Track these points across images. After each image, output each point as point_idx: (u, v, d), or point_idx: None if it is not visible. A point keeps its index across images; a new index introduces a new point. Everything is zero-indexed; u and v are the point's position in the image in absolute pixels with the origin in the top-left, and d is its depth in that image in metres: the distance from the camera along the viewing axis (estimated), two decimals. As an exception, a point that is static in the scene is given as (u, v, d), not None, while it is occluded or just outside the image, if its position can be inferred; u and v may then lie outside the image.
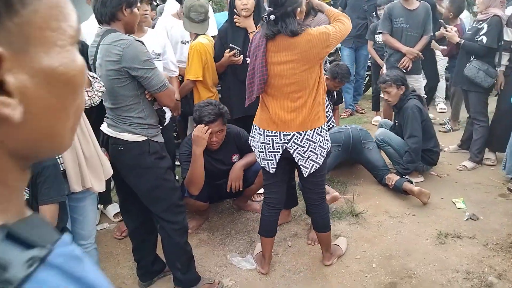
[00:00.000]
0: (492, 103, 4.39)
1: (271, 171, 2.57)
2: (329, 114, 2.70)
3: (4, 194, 0.42)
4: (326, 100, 2.67)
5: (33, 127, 0.41)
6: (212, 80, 3.61)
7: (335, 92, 4.57)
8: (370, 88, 6.57)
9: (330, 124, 2.73)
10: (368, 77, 6.71)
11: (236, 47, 3.29)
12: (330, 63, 8.55)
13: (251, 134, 2.66)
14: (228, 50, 3.31)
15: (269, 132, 2.48)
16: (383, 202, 3.68)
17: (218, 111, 2.90)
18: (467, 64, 4.12)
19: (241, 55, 3.27)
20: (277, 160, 2.52)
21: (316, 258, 2.92)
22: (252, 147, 2.67)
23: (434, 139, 4.01)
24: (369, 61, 6.30)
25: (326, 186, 3.20)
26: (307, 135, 2.43)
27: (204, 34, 3.49)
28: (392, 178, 3.74)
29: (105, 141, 2.36)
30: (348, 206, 3.58)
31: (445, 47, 5.05)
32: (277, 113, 2.42)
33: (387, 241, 3.12)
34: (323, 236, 2.81)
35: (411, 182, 3.69)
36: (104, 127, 2.36)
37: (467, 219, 3.33)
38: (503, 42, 4.03)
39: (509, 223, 3.25)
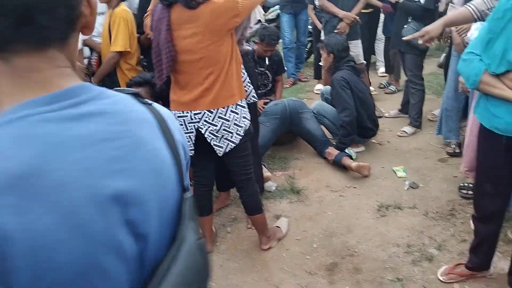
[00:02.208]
0: (427, 66, 4.34)
1: (190, 153, 2.35)
2: (248, 89, 2.49)
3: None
4: (244, 74, 2.45)
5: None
6: (137, 55, 3.30)
7: (267, 59, 4.35)
8: (313, 55, 6.41)
9: (250, 99, 2.52)
10: (310, 43, 6.53)
11: None
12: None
13: None
14: None
15: (180, 113, 2.27)
16: (324, 176, 3.57)
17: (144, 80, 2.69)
18: (405, 26, 4.02)
19: None
20: (193, 142, 2.33)
21: (257, 243, 2.78)
22: None
23: (363, 113, 3.79)
24: (310, 27, 6.11)
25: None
26: (220, 113, 2.25)
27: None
28: (332, 153, 3.62)
29: None
30: (289, 183, 3.44)
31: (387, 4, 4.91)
32: (187, 91, 2.22)
33: (328, 217, 3.02)
34: (255, 219, 2.66)
35: (351, 157, 3.59)
36: None
37: (408, 188, 3.28)
38: (439, 4, 3.95)
39: (448, 189, 3.23)
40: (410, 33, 3.86)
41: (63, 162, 0.56)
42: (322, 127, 3.98)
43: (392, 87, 5.46)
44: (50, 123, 0.57)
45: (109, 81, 3.25)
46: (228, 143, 2.33)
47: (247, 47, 2.79)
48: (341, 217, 3.01)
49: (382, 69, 6.14)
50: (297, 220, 3.02)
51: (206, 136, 2.29)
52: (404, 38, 2.82)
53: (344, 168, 3.57)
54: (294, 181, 3.49)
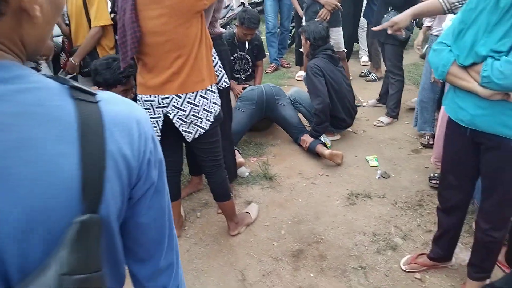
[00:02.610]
0: (409, 56, 4.34)
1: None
2: (219, 73, 2.45)
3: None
4: (215, 58, 2.40)
5: (38, 30, 0.62)
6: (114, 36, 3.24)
7: (247, 43, 4.29)
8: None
9: (221, 84, 2.48)
10: (294, 29, 6.47)
11: None
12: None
13: None
14: None
15: (147, 97, 2.22)
16: (297, 163, 3.57)
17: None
18: (385, 15, 3.99)
19: None
20: (161, 127, 2.28)
21: (226, 228, 2.77)
22: None
23: (337, 103, 3.75)
24: (294, 12, 6.05)
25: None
26: (188, 98, 2.20)
27: None
28: (307, 140, 3.62)
29: None
30: (262, 169, 3.43)
31: None
32: (154, 75, 2.16)
33: (298, 204, 3.02)
34: (224, 205, 2.64)
35: (325, 145, 3.59)
36: None
37: (379, 177, 3.30)
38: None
39: (419, 179, 3.26)
40: (390, 23, 3.85)
41: None
42: (299, 114, 3.97)
43: (373, 75, 5.47)
44: None
45: (90, 58, 3.19)
46: (198, 129, 2.29)
47: (220, 29, 2.73)
48: (310, 204, 3.02)
49: (365, 57, 6.13)
50: (268, 206, 3.02)
51: (174, 121, 2.24)
52: (373, 28, 2.79)
53: (318, 156, 3.57)
54: (268, 167, 3.48)
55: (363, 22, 5.79)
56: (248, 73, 4.53)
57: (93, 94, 0.64)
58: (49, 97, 0.60)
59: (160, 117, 2.25)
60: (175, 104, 2.20)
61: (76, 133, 0.59)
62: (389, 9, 4.00)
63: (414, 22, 4.04)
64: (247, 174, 3.39)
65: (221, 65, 2.51)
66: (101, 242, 0.61)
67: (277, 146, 3.87)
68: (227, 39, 4.18)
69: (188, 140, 2.32)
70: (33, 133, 0.56)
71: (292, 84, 5.43)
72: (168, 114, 2.23)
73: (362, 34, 5.95)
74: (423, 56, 5.64)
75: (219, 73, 2.48)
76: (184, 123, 2.25)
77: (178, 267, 0.83)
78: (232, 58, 4.18)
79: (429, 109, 3.62)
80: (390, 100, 4.23)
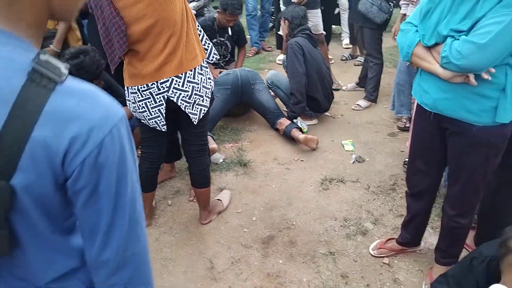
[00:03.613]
0: (386, 40, 4.28)
1: (163, 130, 2.25)
2: (208, 46, 2.35)
3: (41, 35, 0.73)
4: (200, 31, 2.29)
5: None
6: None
7: (229, 29, 4.20)
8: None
9: (212, 57, 2.37)
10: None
11: None
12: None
13: (126, 99, 2.26)
14: None
15: (144, 87, 2.10)
16: (274, 148, 3.53)
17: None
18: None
19: None
20: (164, 115, 2.18)
21: (197, 216, 2.74)
22: (134, 114, 2.29)
23: (316, 84, 3.71)
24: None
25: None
26: (188, 76, 2.11)
27: None
28: (283, 122, 3.58)
29: None
30: (237, 155, 3.39)
31: None
32: (148, 61, 2.05)
33: (272, 190, 2.99)
34: (201, 192, 2.60)
35: (301, 130, 3.55)
36: None
37: (354, 161, 3.28)
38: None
39: (393, 163, 3.24)
40: (366, 6, 3.80)
41: None
42: (277, 99, 3.91)
43: (361, 58, 5.38)
44: None
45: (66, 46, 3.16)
46: (201, 108, 2.22)
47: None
48: (284, 190, 2.99)
49: (346, 40, 6.06)
50: (241, 193, 2.99)
51: (179, 104, 2.14)
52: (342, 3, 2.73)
53: (294, 141, 3.53)
54: (243, 153, 3.44)
55: (345, 4, 5.71)
56: (227, 59, 4.44)
57: (54, 81, 0.67)
58: (5, 68, 0.65)
59: (162, 104, 2.14)
60: (176, 85, 2.11)
61: (7, 110, 0.64)
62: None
63: (392, 4, 3.96)
64: (221, 160, 3.35)
65: (207, 37, 2.39)
66: (14, 210, 0.68)
67: (254, 132, 3.82)
68: (206, 24, 4.09)
69: (195, 123, 2.25)
70: None
71: (273, 68, 5.35)
72: (171, 98, 2.13)
73: (344, 17, 5.87)
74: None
75: (207, 46, 2.36)
76: (188, 104, 2.17)
77: (127, 263, 0.81)
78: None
79: (406, 92, 3.59)
80: (368, 84, 4.19)
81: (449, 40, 1.65)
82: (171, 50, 2.04)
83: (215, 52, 2.41)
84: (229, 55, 4.43)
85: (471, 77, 1.64)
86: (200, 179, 2.55)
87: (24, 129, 0.64)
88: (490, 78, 1.62)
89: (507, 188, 2.12)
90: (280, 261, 2.37)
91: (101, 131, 0.70)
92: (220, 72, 4.04)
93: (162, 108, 2.17)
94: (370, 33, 4.01)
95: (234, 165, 3.30)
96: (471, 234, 2.30)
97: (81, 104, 0.69)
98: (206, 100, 2.23)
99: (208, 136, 3.16)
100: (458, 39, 1.62)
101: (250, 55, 5.86)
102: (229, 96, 3.67)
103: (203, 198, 2.63)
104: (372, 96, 4.19)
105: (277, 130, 3.68)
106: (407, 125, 3.66)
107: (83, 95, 0.70)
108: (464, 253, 2.19)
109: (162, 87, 2.10)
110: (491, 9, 1.55)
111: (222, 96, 3.63)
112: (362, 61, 5.36)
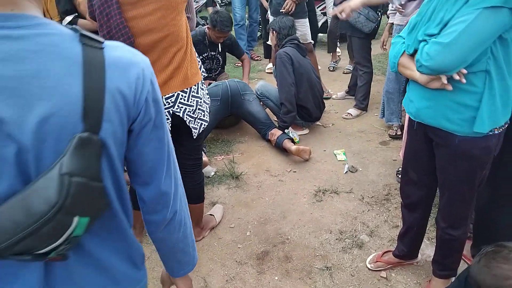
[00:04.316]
0: (375, 48, 4.29)
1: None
2: (198, 63, 2.31)
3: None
4: None
5: None
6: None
7: (219, 45, 4.14)
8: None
9: (201, 73, 2.34)
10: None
11: None
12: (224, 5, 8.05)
13: None
14: None
15: None
16: (265, 160, 3.49)
17: None
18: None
19: None
20: (170, 130, 2.12)
21: (189, 231, 2.67)
22: None
23: (307, 93, 3.69)
24: (259, 4, 5.94)
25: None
26: (193, 91, 2.07)
27: None
28: (275, 133, 3.54)
29: None
30: (229, 168, 3.34)
31: None
32: (155, 75, 2.00)
33: (265, 203, 2.95)
34: (194, 208, 2.53)
35: (292, 140, 3.51)
36: None
37: (346, 171, 3.25)
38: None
39: (386, 173, 3.22)
40: (354, 16, 3.82)
41: None
42: (267, 109, 3.88)
43: (350, 67, 5.40)
44: None
45: None
46: (202, 123, 2.19)
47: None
48: (277, 202, 2.95)
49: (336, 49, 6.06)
50: (233, 206, 2.94)
51: (185, 119, 2.10)
52: (330, 12, 2.75)
53: (286, 151, 3.50)
54: (235, 165, 3.40)
55: (333, 13, 5.72)
56: (217, 72, 4.40)
57: (100, 42, 0.78)
58: (62, 41, 0.75)
59: (167, 119, 2.08)
60: (182, 100, 2.06)
61: (81, 70, 0.74)
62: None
63: (380, 12, 3.98)
64: (212, 173, 3.30)
65: (196, 52, 2.37)
66: (102, 161, 0.77)
67: (245, 143, 3.78)
68: (197, 39, 4.03)
69: (194, 137, 2.20)
70: (47, 66, 0.72)
71: (262, 77, 5.34)
72: (177, 113, 2.07)
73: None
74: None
75: (198, 63, 2.35)
76: (192, 119, 2.13)
77: (177, 193, 0.99)
78: (201, 57, 4.04)
79: (395, 100, 3.58)
80: (358, 92, 4.18)
81: (421, 44, 1.66)
82: (177, 64, 2.00)
83: (203, 68, 2.38)
84: (219, 68, 4.39)
85: (443, 79, 1.62)
86: (195, 194, 2.49)
87: (100, 80, 0.75)
88: (464, 80, 1.59)
89: (501, 198, 2.10)
90: (276, 278, 2.32)
91: (148, 70, 0.84)
92: (210, 83, 4.00)
93: (168, 123, 2.12)
94: (358, 42, 4.00)
95: (226, 178, 3.25)
96: (468, 245, 2.28)
97: (125, 53, 0.82)
98: (206, 114, 2.21)
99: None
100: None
101: (239, 64, 5.83)
102: (219, 108, 3.63)
103: (196, 214, 2.57)
104: (363, 105, 4.18)
105: (268, 141, 3.65)
106: (398, 133, 3.66)
107: (120, 47, 0.82)
108: (462, 264, 2.16)
109: (167, 102, 2.05)
110: (458, 10, 1.55)
111: (212, 107, 3.57)
112: (351, 69, 5.41)
